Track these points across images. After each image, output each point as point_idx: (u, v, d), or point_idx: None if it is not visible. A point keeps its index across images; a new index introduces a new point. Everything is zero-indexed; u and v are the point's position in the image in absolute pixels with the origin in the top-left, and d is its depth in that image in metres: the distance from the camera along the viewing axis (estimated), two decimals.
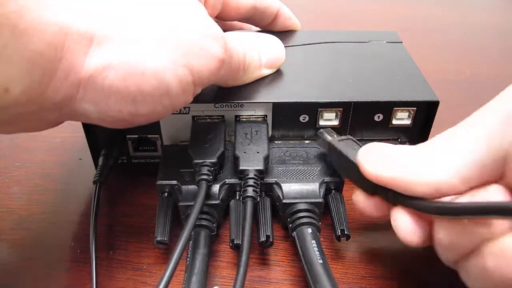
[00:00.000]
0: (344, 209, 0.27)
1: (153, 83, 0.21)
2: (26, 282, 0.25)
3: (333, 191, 0.28)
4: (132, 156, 0.32)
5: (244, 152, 0.27)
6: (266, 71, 0.30)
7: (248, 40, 0.29)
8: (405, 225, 0.22)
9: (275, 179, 0.27)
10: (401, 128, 0.31)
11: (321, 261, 0.23)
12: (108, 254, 0.27)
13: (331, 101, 0.29)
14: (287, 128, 0.31)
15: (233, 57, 0.25)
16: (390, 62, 0.33)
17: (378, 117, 0.30)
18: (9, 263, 0.26)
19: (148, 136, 0.30)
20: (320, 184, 0.27)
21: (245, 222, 0.24)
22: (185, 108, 0.29)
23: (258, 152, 0.27)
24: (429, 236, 0.21)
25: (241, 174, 0.26)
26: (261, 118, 0.30)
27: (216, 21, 0.24)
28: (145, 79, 0.20)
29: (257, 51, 0.29)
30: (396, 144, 0.30)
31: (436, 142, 0.21)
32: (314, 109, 0.29)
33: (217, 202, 0.26)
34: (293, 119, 0.30)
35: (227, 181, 0.27)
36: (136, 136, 0.30)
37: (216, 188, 0.27)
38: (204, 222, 0.25)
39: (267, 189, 0.28)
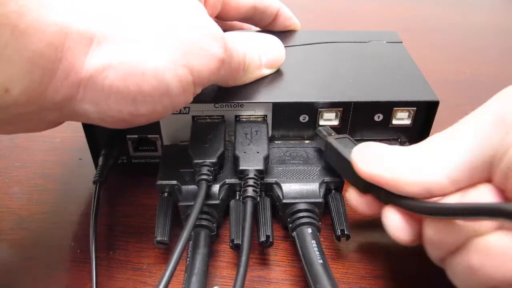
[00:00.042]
0: (344, 209, 0.27)
1: (153, 83, 0.21)
2: (26, 282, 0.25)
3: (333, 191, 0.28)
4: (132, 156, 0.32)
5: (244, 152, 0.27)
6: (266, 71, 0.30)
7: (248, 40, 0.29)
8: (395, 224, 0.22)
9: (275, 179, 0.27)
10: (401, 128, 0.31)
11: (321, 261, 0.23)
12: (108, 254, 0.27)
13: (331, 101, 0.29)
14: (287, 128, 0.31)
15: (233, 57, 0.25)
16: (390, 62, 0.33)
17: (378, 117, 0.30)
18: (9, 263, 0.26)
19: (148, 136, 0.30)
20: (320, 184, 0.27)
21: (245, 222, 0.24)
22: (185, 108, 0.29)
23: (258, 152, 0.27)
24: (419, 234, 0.22)
25: (241, 174, 0.26)
26: (261, 118, 0.30)
27: (216, 21, 0.24)
28: (145, 79, 0.20)
29: (257, 51, 0.29)
30: (396, 144, 0.31)
31: (429, 143, 0.22)
32: (314, 109, 0.29)
33: (217, 202, 0.26)
34: (293, 119, 0.30)
35: (227, 181, 0.27)
36: (136, 136, 0.30)
37: (216, 188, 0.27)
38: (204, 222, 0.25)
39: (267, 189, 0.28)
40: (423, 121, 0.30)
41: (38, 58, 0.18)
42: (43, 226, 0.28)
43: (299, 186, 0.27)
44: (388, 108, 0.30)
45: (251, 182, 0.25)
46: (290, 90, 0.30)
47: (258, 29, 0.37)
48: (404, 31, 0.39)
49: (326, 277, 0.22)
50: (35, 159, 0.34)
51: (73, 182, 0.32)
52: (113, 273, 0.26)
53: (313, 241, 0.24)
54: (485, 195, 0.19)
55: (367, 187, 0.23)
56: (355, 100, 0.29)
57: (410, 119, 0.30)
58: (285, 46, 0.31)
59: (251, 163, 0.26)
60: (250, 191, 0.25)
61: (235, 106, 0.29)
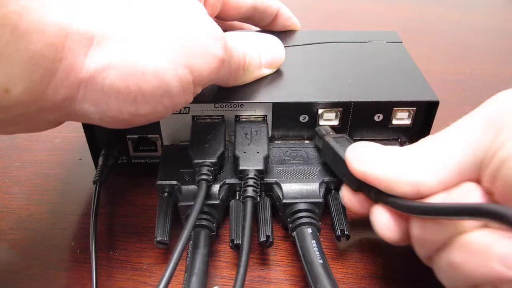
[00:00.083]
0: (344, 209, 0.27)
1: (154, 83, 0.21)
2: (26, 282, 0.25)
3: (333, 191, 0.28)
4: (132, 156, 0.32)
5: (244, 152, 0.27)
6: (266, 71, 0.30)
7: (248, 40, 0.29)
8: (383, 222, 0.23)
9: (275, 179, 0.27)
10: (401, 128, 0.31)
11: (321, 261, 0.23)
12: (108, 254, 0.27)
13: (331, 101, 0.29)
14: (287, 128, 0.31)
15: (233, 57, 0.25)
16: (390, 62, 0.33)
17: (378, 117, 0.30)
18: (9, 263, 0.26)
19: (148, 136, 0.30)
20: (320, 184, 0.27)
21: (245, 222, 0.24)
22: (185, 108, 0.29)
23: (258, 152, 0.27)
24: (406, 233, 0.22)
25: (241, 174, 0.26)
26: (261, 118, 0.30)
27: (216, 21, 0.24)
28: (145, 79, 0.20)
29: (257, 51, 0.29)
30: (396, 144, 0.31)
31: (422, 144, 0.22)
32: (314, 109, 0.29)
33: (217, 202, 0.26)
34: (293, 119, 0.30)
35: (227, 181, 0.27)
36: (136, 136, 0.30)
37: (216, 188, 0.27)
38: (204, 222, 0.25)
39: (267, 189, 0.28)
40: (423, 121, 0.30)
41: (38, 58, 0.17)
42: (43, 226, 0.28)
43: (299, 186, 0.27)
44: (388, 108, 0.30)
45: (251, 182, 0.25)
46: (290, 90, 0.30)
47: (258, 29, 0.37)
48: (404, 31, 0.39)
49: (326, 277, 0.22)
50: (35, 159, 0.34)
51: (73, 182, 0.32)
52: (113, 273, 0.26)
53: (313, 241, 0.24)
54: (470, 194, 0.20)
55: (359, 185, 0.24)
56: (355, 100, 0.29)
57: (410, 119, 0.30)
58: (285, 46, 0.31)
59: (251, 163, 0.26)
60: (250, 191, 0.25)
61: (235, 106, 0.29)
